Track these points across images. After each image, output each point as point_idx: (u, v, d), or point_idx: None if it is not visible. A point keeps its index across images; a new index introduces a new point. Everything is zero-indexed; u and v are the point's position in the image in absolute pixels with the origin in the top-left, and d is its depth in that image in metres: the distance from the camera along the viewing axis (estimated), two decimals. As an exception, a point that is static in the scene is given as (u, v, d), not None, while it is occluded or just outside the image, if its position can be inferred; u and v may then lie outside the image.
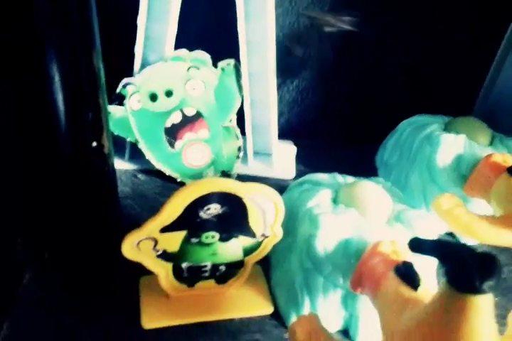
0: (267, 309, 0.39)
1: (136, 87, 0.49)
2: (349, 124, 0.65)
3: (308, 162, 0.60)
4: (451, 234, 0.50)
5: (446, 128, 0.51)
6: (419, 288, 0.30)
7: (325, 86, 0.62)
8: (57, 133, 0.33)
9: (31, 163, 0.34)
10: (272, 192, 0.35)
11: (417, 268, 0.32)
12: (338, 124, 0.65)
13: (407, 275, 0.31)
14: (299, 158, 0.60)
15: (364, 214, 0.38)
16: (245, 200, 0.34)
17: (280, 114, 0.62)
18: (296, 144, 0.61)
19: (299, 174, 0.57)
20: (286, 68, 0.59)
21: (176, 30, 0.50)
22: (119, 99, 0.49)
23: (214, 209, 0.33)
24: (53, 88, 0.30)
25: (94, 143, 0.35)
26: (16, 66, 0.30)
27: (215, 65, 0.51)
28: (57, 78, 0.30)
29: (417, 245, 0.28)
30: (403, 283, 0.31)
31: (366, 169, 0.55)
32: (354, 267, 0.35)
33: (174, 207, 0.32)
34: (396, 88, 0.63)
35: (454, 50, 0.60)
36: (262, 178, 0.56)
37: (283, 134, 0.59)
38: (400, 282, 0.31)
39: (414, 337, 0.26)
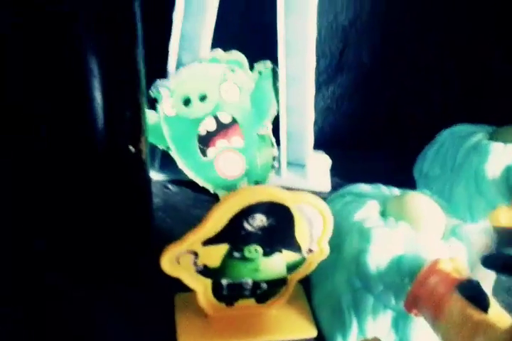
0: (311, 332, 0.37)
1: (169, 92, 0.47)
2: (384, 134, 0.62)
3: (342, 173, 0.57)
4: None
5: (492, 138, 0.48)
6: (489, 310, 0.27)
7: (361, 93, 0.60)
8: (94, 132, 0.31)
9: (63, 165, 0.32)
10: (321, 203, 0.32)
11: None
12: (373, 135, 0.62)
13: (475, 295, 0.29)
14: (333, 169, 0.57)
15: (417, 229, 0.35)
16: (293, 210, 0.31)
17: (313, 123, 0.59)
18: (328, 154, 0.58)
19: (334, 186, 0.54)
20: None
21: (212, 28, 0.47)
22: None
23: (260, 220, 0.31)
24: (92, 82, 0.28)
25: (132, 149, 0.32)
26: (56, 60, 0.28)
27: (251, 66, 0.49)
28: (96, 71, 0.27)
29: (494, 262, 0.25)
30: (470, 305, 0.28)
31: (403, 180, 0.52)
32: (408, 286, 0.32)
33: (219, 217, 0.30)
34: (433, 97, 0.60)
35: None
36: (295, 190, 0.53)
37: (315, 144, 0.56)
38: (466, 303, 0.28)
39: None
